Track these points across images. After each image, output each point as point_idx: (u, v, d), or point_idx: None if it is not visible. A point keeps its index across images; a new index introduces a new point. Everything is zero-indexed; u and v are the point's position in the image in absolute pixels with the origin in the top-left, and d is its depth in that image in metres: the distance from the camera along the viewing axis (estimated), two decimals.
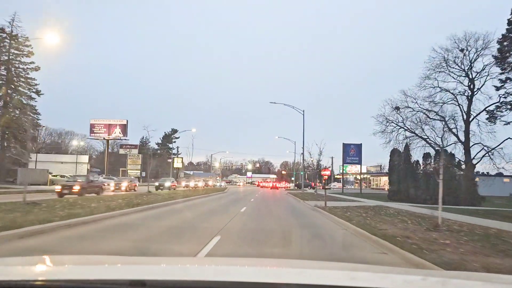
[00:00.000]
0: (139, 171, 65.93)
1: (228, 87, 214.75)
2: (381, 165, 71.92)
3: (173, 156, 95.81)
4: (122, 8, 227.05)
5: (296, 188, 76.76)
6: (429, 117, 37.12)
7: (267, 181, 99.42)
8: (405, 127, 37.05)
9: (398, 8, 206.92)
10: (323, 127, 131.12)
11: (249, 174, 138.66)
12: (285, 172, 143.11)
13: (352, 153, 51.34)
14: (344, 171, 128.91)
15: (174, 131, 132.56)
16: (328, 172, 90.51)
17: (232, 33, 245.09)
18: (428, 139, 36.69)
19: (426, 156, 36.29)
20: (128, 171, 65.81)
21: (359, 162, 51.87)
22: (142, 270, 2.06)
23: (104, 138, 60.79)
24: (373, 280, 1.87)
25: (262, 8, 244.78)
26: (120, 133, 61.24)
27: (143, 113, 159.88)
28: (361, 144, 51.79)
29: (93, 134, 61.17)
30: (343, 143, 51.20)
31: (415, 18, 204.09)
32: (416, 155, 38.22)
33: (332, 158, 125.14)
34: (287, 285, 1.61)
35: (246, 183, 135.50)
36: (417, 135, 36.85)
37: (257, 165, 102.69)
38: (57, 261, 2.59)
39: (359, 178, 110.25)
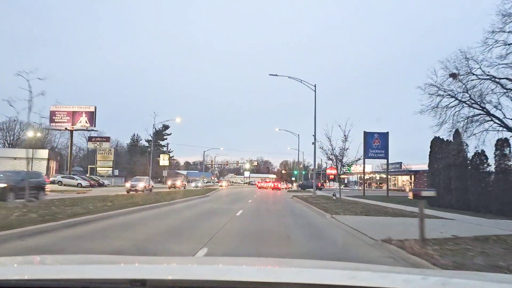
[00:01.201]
0: (111, 168, 53.19)
1: (228, 84, 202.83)
2: (400, 163, 59.61)
3: (162, 153, 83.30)
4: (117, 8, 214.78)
5: (300, 189, 64.13)
6: (503, 87, 24.50)
7: (266, 181, 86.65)
8: (472, 100, 24.30)
9: None
10: (334, 118, 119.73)
11: (246, 173, 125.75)
12: (285, 172, 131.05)
13: (376, 144, 38.70)
14: (348, 170, 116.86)
15: (166, 127, 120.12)
16: (334, 171, 76.88)
17: (230, 24, 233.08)
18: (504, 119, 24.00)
19: (502, 144, 23.48)
20: (98, 168, 53.09)
21: (385, 156, 39.17)
22: (142, 269, 2.03)
23: (66, 128, 47.87)
24: (373, 279, 1.81)
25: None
26: (87, 122, 48.27)
27: (136, 107, 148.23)
28: (387, 133, 39.14)
29: (53, 124, 48.17)
30: (365, 132, 38.53)
31: None
32: (474, 144, 25.49)
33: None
34: (287, 284, 1.56)
35: (244, 183, 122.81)
36: (489, 113, 24.16)
37: (255, 163, 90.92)
38: (57, 260, 2.49)
39: (371, 178, 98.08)
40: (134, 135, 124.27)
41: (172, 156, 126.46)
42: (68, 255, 4.48)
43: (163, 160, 76.02)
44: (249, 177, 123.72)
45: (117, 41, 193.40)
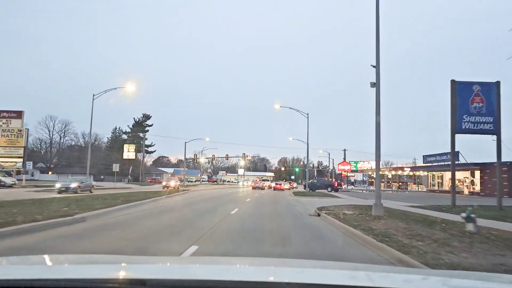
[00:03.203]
0: (21, 159, 33.17)
1: (226, 84, 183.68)
2: (457, 152, 39.81)
3: (127, 144, 63.16)
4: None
5: (309, 190, 44.22)
6: None
7: (263, 179, 66.27)
8: None
9: None
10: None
11: (241, 171, 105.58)
12: (284, 169, 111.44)
13: (477, 105, 18.91)
14: (355, 168, 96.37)
15: (147, 117, 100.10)
16: (347, 167, 57.35)
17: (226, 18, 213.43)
18: None
19: None
20: (0, 160, 33.05)
21: (495, 129, 18.91)
22: (142, 270, 1.95)
23: None
24: (373, 279, 1.74)
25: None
26: None
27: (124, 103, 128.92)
28: (497, 83, 19.25)
29: None
30: (453, 81, 18.88)
31: None
32: None
33: (344, 150, 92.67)
34: (288, 284, 1.48)
35: (238, 182, 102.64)
36: None
37: (249, 157, 70.62)
38: (57, 260, 2.44)
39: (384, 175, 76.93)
40: (116, 128, 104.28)
41: (154, 151, 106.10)
42: (68, 255, 4.08)
43: (128, 152, 56.23)
44: (243, 175, 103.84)
45: (111, 38, 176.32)
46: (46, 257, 2.39)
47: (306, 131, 42.00)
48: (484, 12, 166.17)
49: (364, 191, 53.13)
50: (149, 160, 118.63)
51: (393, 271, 2.32)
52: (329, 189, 45.18)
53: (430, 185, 48.79)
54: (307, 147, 42.48)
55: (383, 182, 79.31)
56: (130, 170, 55.49)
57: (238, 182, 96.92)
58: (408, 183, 65.54)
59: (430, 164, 46.09)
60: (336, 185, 46.11)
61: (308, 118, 42.24)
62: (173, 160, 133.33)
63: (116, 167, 39.23)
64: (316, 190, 45.09)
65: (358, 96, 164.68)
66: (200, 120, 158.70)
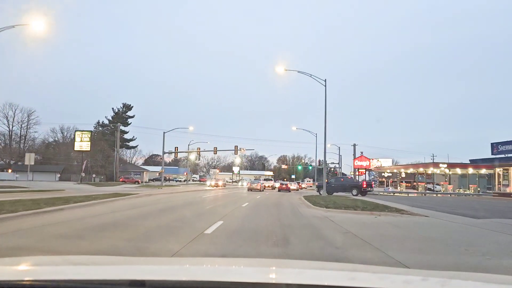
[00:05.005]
0: None
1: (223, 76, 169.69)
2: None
3: (79, 131, 48.20)
4: None
5: (328, 193, 29.63)
6: None
7: (265, 179, 51.71)
8: None
9: None
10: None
11: (236, 169, 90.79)
12: (285, 167, 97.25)
13: None
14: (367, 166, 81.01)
15: (127, 107, 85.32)
16: (366, 163, 43.18)
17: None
18: None
19: None
20: None
21: None
22: (141, 270, 1.90)
23: None
24: (372, 280, 1.70)
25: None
26: None
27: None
28: None
29: None
30: None
31: None
32: None
33: (354, 145, 77.99)
34: (287, 285, 1.46)
35: (233, 182, 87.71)
36: None
37: (242, 150, 57.16)
38: (56, 261, 2.31)
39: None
40: (99, 122, 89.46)
41: (136, 146, 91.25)
42: (66, 256, 3.96)
43: (81, 141, 41.51)
44: (238, 173, 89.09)
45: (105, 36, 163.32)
46: (45, 257, 2.30)
47: (324, 105, 27.31)
48: None
49: (399, 194, 38.47)
50: (139, 158, 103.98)
51: (393, 272, 2.24)
52: (355, 191, 30.63)
53: (500, 186, 33.47)
54: (325, 129, 27.80)
55: (395, 181, 64.36)
56: (84, 165, 40.69)
57: (233, 181, 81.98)
58: (442, 183, 50.74)
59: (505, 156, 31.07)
60: (365, 186, 31.40)
61: (326, 86, 27.63)
62: (168, 159, 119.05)
63: (30, 159, 24.63)
64: (334, 193, 30.76)
65: (358, 95, 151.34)
66: (197, 119, 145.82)
